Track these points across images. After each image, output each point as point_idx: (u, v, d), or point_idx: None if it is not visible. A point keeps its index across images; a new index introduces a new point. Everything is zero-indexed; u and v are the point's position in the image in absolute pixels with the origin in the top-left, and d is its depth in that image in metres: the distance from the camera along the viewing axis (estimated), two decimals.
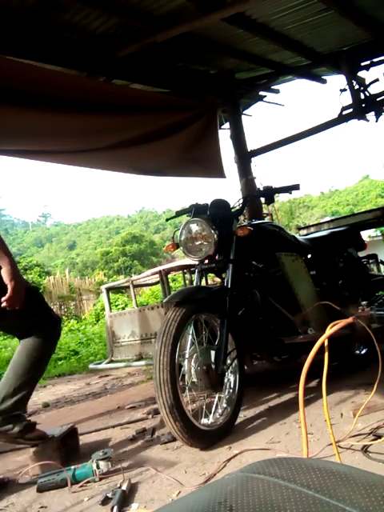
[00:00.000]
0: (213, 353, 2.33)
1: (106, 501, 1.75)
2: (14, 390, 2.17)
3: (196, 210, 2.70)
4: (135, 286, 5.99)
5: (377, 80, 4.81)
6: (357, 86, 4.78)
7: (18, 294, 2.02)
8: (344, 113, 4.89)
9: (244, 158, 5.26)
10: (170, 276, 5.97)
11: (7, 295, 1.99)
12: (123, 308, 11.45)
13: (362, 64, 4.85)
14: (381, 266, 4.56)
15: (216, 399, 2.38)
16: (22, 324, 2.24)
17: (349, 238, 3.61)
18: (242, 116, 5.49)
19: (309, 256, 3.32)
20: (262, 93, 5.81)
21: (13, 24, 3.47)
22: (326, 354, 1.59)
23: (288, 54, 4.81)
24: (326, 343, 1.57)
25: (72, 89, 3.67)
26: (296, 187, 2.71)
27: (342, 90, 4.85)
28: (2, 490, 2.09)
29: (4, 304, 1.99)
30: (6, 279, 2.00)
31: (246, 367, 2.66)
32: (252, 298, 2.70)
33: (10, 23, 3.46)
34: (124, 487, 1.80)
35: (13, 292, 1.99)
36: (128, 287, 5.77)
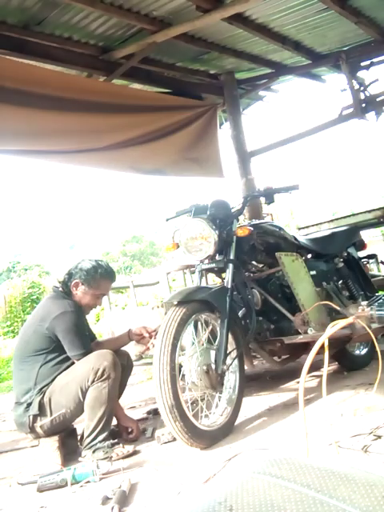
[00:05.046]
0: (213, 353, 2.34)
1: (105, 501, 1.75)
2: None
3: (196, 210, 2.70)
4: (135, 286, 6.00)
5: (377, 80, 4.80)
6: (357, 86, 4.78)
7: None
8: (344, 113, 4.88)
9: (244, 157, 5.25)
10: (169, 276, 5.97)
11: None
12: (123, 308, 11.44)
13: (362, 64, 4.84)
14: (381, 265, 4.56)
15: (216, 399, 2.38)
16: None
17: (349, 238, 3.61)
18: (242, 116, 5.49)
19: (309, 256, 3.31)
20: (261, 93, 5.81)
21: (13, 24, 3.47)
22: (326, 354, 1.59)
23: (288, 54, 4.80)
24: (326, 343, 1.57)
25: (72, 89, 3.67)
26: (296, 187, 2.71)
27: (342, 90, 4.85)
28: None
29: None
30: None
31: (246, 367, 2.66)
32: (252, 298, 2.70)
33: (10, 23, 3.46)
34: (124, 487, 1.80)
35: None
36: (128, 287, 5.78)
